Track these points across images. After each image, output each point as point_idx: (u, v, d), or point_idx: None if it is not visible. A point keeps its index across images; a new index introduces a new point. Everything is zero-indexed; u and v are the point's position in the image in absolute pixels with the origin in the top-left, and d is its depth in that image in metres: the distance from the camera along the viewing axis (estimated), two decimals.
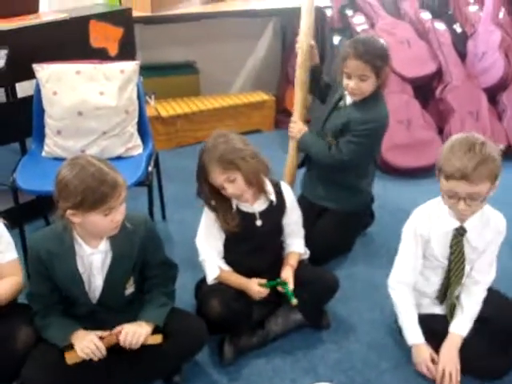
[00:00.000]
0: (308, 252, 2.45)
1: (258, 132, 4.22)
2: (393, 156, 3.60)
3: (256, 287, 2.18)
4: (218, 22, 4.13)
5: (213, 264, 2.24)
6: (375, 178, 2.98)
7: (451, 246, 2.05)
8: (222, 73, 4.47)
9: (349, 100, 2.68)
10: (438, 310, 2.20)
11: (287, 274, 2.23)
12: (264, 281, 2.20)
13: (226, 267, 2.26)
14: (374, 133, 2.64)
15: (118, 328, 1.91)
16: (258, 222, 2.25)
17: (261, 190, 2.24)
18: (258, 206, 2.26)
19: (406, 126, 3.72)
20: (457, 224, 2.02)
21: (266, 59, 4.59)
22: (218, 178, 2.11)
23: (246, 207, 2.24)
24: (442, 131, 3.91)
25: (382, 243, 2.92)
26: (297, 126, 2.77)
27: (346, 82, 2.59)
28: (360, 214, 2.89)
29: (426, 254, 2.12)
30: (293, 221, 2.37)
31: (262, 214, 2.26)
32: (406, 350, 2.23)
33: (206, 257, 2.25)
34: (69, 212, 1.78)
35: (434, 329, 2.15)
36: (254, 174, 2.15)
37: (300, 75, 2.75)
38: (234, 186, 2.12)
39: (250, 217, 2.25)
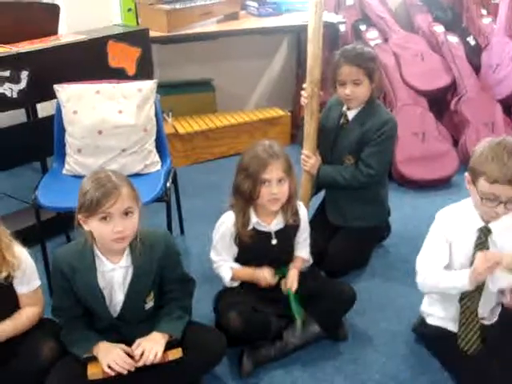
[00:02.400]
0: (311, 260, 2.49)
1: None
2: (408, 168, 3.62)
3: (263, 273, 2.25)
4: (233, 40, 4.19)
5: (226, 267, 2.31)
6: (392, 191, 3.00)
7: (476, 246, 2.05)
8: (238, 89, 4.53)
9: (351, 115, 2.71)
10: (451, 326, 2.19)
11: (291, 273, 2.30)
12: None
13: (237, 265, 2.33)
14: (392, 134, 2.68)
15: (136, 345, 1.94)
16: (273, 241, 2.30)
17: (291, 207, 2.29)
18: (275, 226, 2.30)
19: (421, 139, 3.74)
20: (481, 224, 2.03)
21: (281, 75, 4.64)
22: (276, 172, 2.17)
23: (263, 226, 2.29)
24: (457, 143, 3.92)
25: (399, 255, 2.93)
26: (310, 161, 2.74)
27: (340, 91, 2.64)
28: (379, 227, 2.91)
29: (453, 258, 2.11)
30: (303, 238, 2.42)
31: (278, 233, 2.31)
32: (424, 361, 2.26)
33: (220, 262, 2.33)
34: (79, 218, 1.86)
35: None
36: (295, 187, 2.27)
37: (310, 105, 2.70)
38: (280, 187, 2.19)
39: (266, 236, 2.30)
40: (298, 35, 4.47)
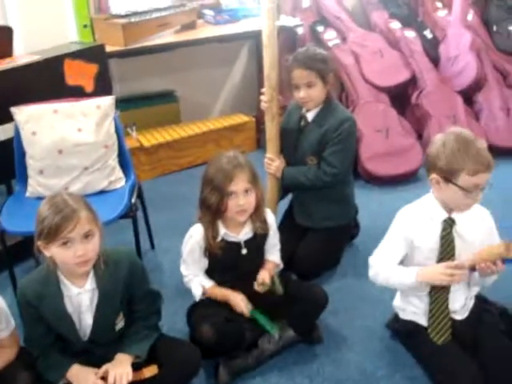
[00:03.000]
0: (282, 264, 2.48)
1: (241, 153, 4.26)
2: (374, 165, 3.65)
3: (240, 300, 2.23)
4: (192, 50, 4.18)
5: (196, 282, 2.30)
6: (359, 189, 3.02)
7: (442, 238, 2.08)
8: (202, 99, 4.52)
9: (310, 116, 2.73)
10: (423, 320, 2.20)
11: (264, 275, 2.29)
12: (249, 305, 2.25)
13: (210, 282, 2.31)
14: (351, 131, 2.70)
15: (103, 371, 1.93)
16: (243, 251, 2.29)
17: (259, 215, 2.29)
18: (244, 235, 2.30)
19: (384, 135, 3.78)
20: (445, 215, 2.06)
21: (244, 81, 4.64)
22: (242, 184, 2.16)
23: (232, 237, 2.28)
24: (421, 137, 3.96)
25: (369, 252, 2.91)
26: (274, 164, 2.75)
27: (295, 94, 2.66)
28: (347, 226, 2.92)
29: (414, 253, 2.14)
30: (272, 244, 2.42)
31: (248, 243, 2.30)
32: (399, 357, 2.28)
33: (190, 276, 2.31)
34: (38, 244, 1.83)
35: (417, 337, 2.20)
36: (261, 196, 2.27)
37: (270, 109, 2.71)
38: (247, 198, 2.18)
39: (236, 246, 2.29)
40: (256, 41, 4.47)
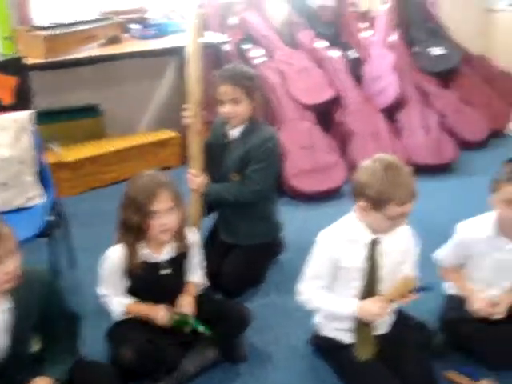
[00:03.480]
0: (207, 282, 2.45)
1: (166, 169, 4.21)
2: (299, 181, 3.68)
3: (158, 313, 2.18)
4: (118, 64, 4.11)
5: (116, 301, 2.23)
6: (284, 205, 3.04)
7: (367, 259, 2.10)
8: (127, 113, 4.45)
9: (234, 133, 2.74)
10: (345, 336, 2.22)
11: (186, 301, 2.25)
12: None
13: (129, 299, 2.25)
14: (274, 149, 2.72)
15: None
16: (164, 271, 2.24)
17: (182, 234, 2.25)
18: (166, 255, 2.25)
19: (309, 152, 3.82)
20: (370, 237, 2.09)
21: (170, 96, 4.60)
22: (164, 203, 2.11)
23: (154, 257, 2.23)
24: (345, 153, 4.02)
25: (294, 269, 2.91)
26: (197, 180, 2.71)
27: (221, 109, 2.67)
28: (271, 244, 2.92)
29: (340, 274, 2.15)
30: (195, 262, 2.38)
31: (170, 262, 2.26)
32: (321, 374, 2.27)
33: (108, 297, 2.24)
34: None
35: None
36: (184, 214, 2.23)
37: (194, 124, 2.68)
38: (170, 217, 2.13)
39: (158, 266, 2.24)
40: (183, 56, 4.44)
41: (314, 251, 2.19)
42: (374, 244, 2.09)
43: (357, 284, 2.13)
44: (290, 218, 3.30)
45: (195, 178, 2.72)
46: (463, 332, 2.29)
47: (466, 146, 4.42)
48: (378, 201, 1.97)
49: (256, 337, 2.47)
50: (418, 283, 2.09)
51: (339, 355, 2.22)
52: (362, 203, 2.02)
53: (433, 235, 2.52)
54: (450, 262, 2.43)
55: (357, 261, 2.11)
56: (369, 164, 2.02)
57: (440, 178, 4.02)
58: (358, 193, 2.03)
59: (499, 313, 2.25)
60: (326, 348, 2.31)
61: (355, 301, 2.12)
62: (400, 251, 2.16)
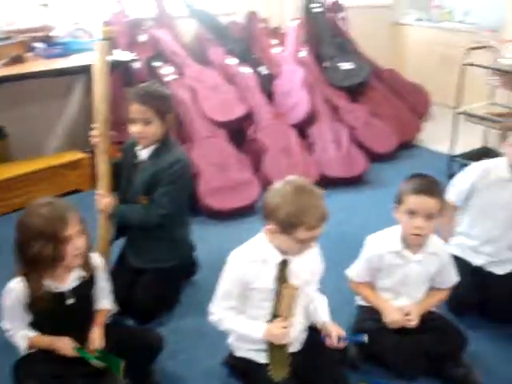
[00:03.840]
0: (116, 308, 2.37)
1: (77, 192, 4.09)
2: (212, 200, 3.64)
3: (62, 343, 2.10)
4: (22, 84, 3.97)
5: (20, 335, 2.12)
6: (199, 225, 2.99)
7: (277, 280, 2.08)
8: (34, 135, 4.29)
9: (144, 154, 2.68)
10: (259, 356, 2.19)
11: (96, 334, 2.17)
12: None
13: (33, 332, 2.14)
14: (183, 172, 2.66)
15: None
16: (70, 301, 2.14)
17: (86, 259, 2.16)
18: (70, 284, 2.15)
19: (221, 169, 3.79)
20: (280, 258, 2.07)
21: (78, 116, 4.48)
22: (76, 226, 2.03)
23: (58, 287, 2.12)
24: (258, 169, 4.02)
25: (209, 289, 2.89)
26: (104, 200, 2.64)
27: (131, 128, 2.60)
28: (181, 266, 2.85)
29: (251, 295, 2.13)
30: (101, 287, 2.29)
31: (74, 291, 2.15)
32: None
33: (12, 331, 2.13)
34: None
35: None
36: (89, 239, 2.15)
37: (101, 144, 2.62)
38: (81, 240, 2.05)
39: (62, 296, 2.13)
40: (90, 75, 4.35)
41: (225, 271, 2.17)
42: (283, 265, 2.08)
43: (268, 304, 2.12)
44: (205, 236, 3.27)
45: (102, 198, 2.65)
46: (376, 343, 2.31)
47: (376, 158, 4.52)
48: (288, 224, 1.95)
49: (169, 361, 2.41)
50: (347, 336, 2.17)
51: (254, 375, 2.19)
52: (271, 226, 2.00)
53: (345, 247, 2.56)
54: (363, 278, 2.46)
55: (267, 281, 2.09)
56: (279, 186, 2.00)
57: (352, 191, 4.10)
58: (268, 215, 2.01)
59: (412, 323, 2.31)
60: (241, 368, 2.28)
61: (263, 324, 2.11)
62: (309, 272, 2.17)
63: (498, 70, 4.07)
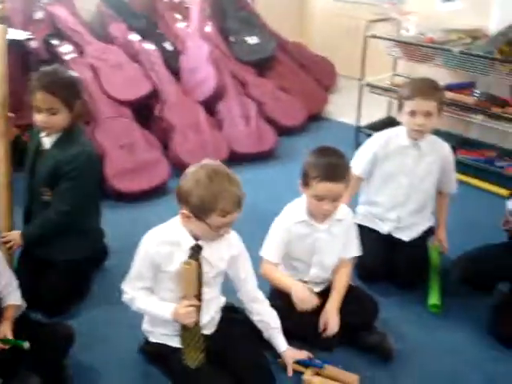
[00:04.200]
0: (24, 303, 2.26)
1: None
2: (122, 183, 3.52)
3: None
4: None
5: None
6: (108, 209, 2.96)
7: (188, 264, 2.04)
8: None
9: (48, 142, 2.55)
10: (173, 341, 2.17)
11: (3, 328, 2.06)
12: None
13: None
14: (88, 165, 2.55)
15: None
16: None
17: None
18: None
19: (128, 151, 3.68)
20: (192, 242, 2.03)
21: None
22: None
23: None
24: (167, 148, 3.94)
25: (122, 274, 2.82)
26: (11, 237, 2.54)
27: (36, 117, 2.46)
28: (91, 256, 2.75)
29: (162, 277, 2.10)
30: (3, 285, 2.17)
31: None
32: (158, 379, 2.21)
33: None
34: None
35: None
36: None
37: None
38: None
39: None
40: None
41: (138, 252, 2.12)
42: (195, 249, 2.05)
43: (177, 288, 2.08)
44: (114, 220, 3.18)
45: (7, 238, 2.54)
46: (289, 319, 2.32)
47: (285, 131, 4.53)
48: (200, 210, 1.92)
49: (84, 354, 2.33)
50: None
51: (169, 360, 2.17)
52: (184, 211, 1.96)
53: (258, 222, 2.54)
54: (277, 257, 2.42)
55: (178, 265, 2.05)
56: (194, 170, 1.96)
57: (262, 166, 4.10)
58: (181, 200, 1.97)
59: (335, 329, 2.32)
60: (155, 354, 2.25)
61: (171, 305, 2.07)
62: (224, 259, 2.14)
63: (399, 41, 4.14)
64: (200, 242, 2.05)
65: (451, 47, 3.82)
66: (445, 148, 2.84)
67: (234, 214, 1.94)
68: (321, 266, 2.44)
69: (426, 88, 2.64)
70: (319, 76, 5.45)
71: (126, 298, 2.17)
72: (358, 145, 3.99)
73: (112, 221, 3.06)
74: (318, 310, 2.32)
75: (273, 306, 2.32)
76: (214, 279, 2.15)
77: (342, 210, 2.41)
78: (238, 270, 2.20)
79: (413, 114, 2.65)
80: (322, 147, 2.33)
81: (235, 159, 4.02)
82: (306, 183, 2.28)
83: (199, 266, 2.05)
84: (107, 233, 2.92)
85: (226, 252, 2.13)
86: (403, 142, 2.77)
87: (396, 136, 2.80)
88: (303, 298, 2.28)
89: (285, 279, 2.39)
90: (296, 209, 2.39)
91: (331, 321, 2.31)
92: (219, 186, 1.90)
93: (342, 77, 5.66)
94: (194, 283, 2.05)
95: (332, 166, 2.22)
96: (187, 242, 2.04)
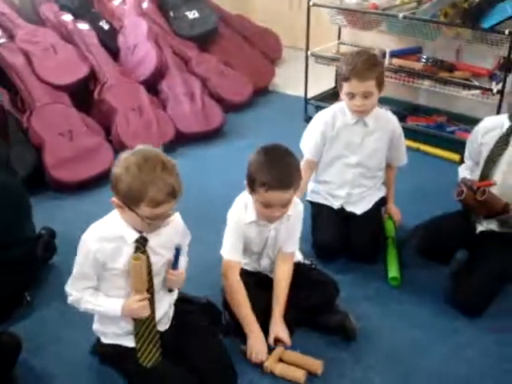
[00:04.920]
0: None
1: None
2: (61, 172, 3.33)
3: None
4: None
5: None
6: (48, 201, 2.92)
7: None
8: None
9: None
10: (127, 341, 2.07)
11: None
12: None
13: None
14: None
15: None
16: None
17: None
18: None
19: (68, 138, 3.49)
20: (136, 235, 1.91)
21: None
22: None
23: None
24: (110, 132, 3.78)
25: (68, 269, 2.69)
26: None
27: None
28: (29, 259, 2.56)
29: (107, 275, 1.98)
30: None
31: None
32: (113, 380, 2.12)
33: None
34: None
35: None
36: None
37: None
38: None
39: None
40: None
41: (79, 250, 1.98)
42: (140, 242, 1.93)
43: (127, 284, 1.97)
44: (58, 213, 3.04)
45: None
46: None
47: (232, 107, 4.41)
48: (129, 199, 1.80)
49: (35, 358, 2.22)
50: None
51: (124, 360, 2.07)
52: (115, 199, 1.84)
53: (207, 204, 2.43)
54: (238, 254, 2.30)
55: (124, 261, 1.93)
56: (125, 157, 1.82)
57: (210, 144, 3.96)
58: (112, 187, 1.84)
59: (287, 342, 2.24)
60: (109, 355, 2.14)
61: (120, 300, 1.97)
62: (170, 247, 2.00)
63: (342, 9, 4.04)
64: (145, 234, 1.92)
65: (396, 13, 3.74)
66: (392, 122, 2.78)
67: (166, 204, 1.81)
68: (268, 257, 2.39)
69: (362, 67, 2.50)
70: (264, 49, 5.32)
71: (71, 299, 2.04)
72: (307, 117, 3.92)
73: (54, 214, 2.92)
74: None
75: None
76: (164, 269, 2.03)
77: (293, 205, 2.25)
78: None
79: (351, 95, 2.57)
80: (269, 148, 2.14)
81: (182, 139, 3.89)
82: (252, 188, 2.13)
83: (148, 259, 1.94)
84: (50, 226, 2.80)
85: (173, 239, 2.00)
86: (349, 119, 2.69)
87: (341, 113, 2.72)
88: (256, 350, 2.18)
89: (245, 314, 2.24)
90: (245, 207, 2.26)
91: (282, 335, 2.22)
92: (149, 174, 1.76)
93: (287, 48, 5.54)
94: (144, 277, 1.94)
95: (281, 174, 2.06)
96: (131, 236, 1.91)
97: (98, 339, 2.15)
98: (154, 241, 1.95)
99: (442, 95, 3.92)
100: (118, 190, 1.80)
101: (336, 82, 2.69)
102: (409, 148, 3.00)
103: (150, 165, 1.78)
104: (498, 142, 2.43)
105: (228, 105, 4.38)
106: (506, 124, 2.42)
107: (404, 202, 2.99)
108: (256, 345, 2.18)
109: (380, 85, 2.58)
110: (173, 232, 2.00)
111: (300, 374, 2.11)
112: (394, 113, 3.03)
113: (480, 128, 2.57)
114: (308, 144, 2.79)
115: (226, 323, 2.31)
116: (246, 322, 2.22)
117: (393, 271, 2.62)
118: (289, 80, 5.04)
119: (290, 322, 2.28)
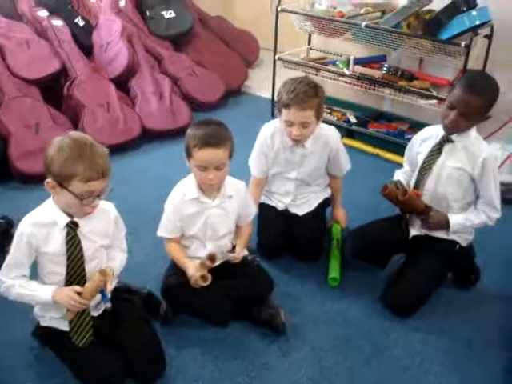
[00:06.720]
0: None
1: None
2: (26, 164, 3.44)
3: None
4: None
5: None
6: (14, 192, 3.02)
7: (67, 243, 2.05)
8: None
9: None
10: (63, 325, 2.17)
11: None
12: None
13: None
14: None
15: None
16: None
17: None
18: None
19: (34, 131, 3.59)
20: (67, 219, 2.03)
21: None
22: None
23: None
24: (77, 128, 3.86)
25: None
26: None
27: None
28: None
29: (42, 260, 2.09)
30: None
31: None
32: (52, 361, 2.20)
33: None
34: None
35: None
36: None
37: None
38: None
39: None
40: None
41: (15, 237, 2.08)
42: (71, 226, 2.04)
43: (61, 270, 2.08)
44: (22, 204, 3.07)
45: None
46: (181, 296, 2.40)
47: (202, 107, 4.52)
48: (61, 176, 1.91)
49: None
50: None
51: (60, 343, 2.18)
52: (49, 180, 1.95)
53: (165, 197, 2.52)
54: (173, 232, 2.45)
55: (56, 245, 2.05)
56: (59, 139, 1.95)
57: (176, 142, 4.01)
58: (46, 170, 1.96)
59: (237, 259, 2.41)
60: (48, 338, 2.24)
61: (51, 287, 2.06)
62: (102, 234, 2.14)
63: (308, 15, 4.13)
64: (76, 219, 2.04)
65: (359, 21, 3.85)
66: (331, 140, 2.83)
67: (96, 182, 1.92)
68: (215, 239, 2.48)
69: (303, 96, 2.56)
70: (242, 51, 5.43)
71: (4, 287, 2.10)
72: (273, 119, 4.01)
73: (19, 204, 2.99)
74: (211, 286, 2.35)
75: (168, 282, 2.40)
76: (97, 255, 2.14)
77: (234, 185, 2.45)
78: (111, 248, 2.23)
79: (289, 123, 2.65)
80: (202, 120, 2.38)
81: (149, 136, 3.99)
82: (188, 154, 2.32)
83: (79, 243, 2.06)
84: (13, 217, 2.86)
85: (105, 227, 2.14)
86: (288, 141, 2.76)
87: (280, 133, 2.78)
88: (195, 278, 2.30)
89: (180, 256, 2.43)
90: (187, 186, 2.42)
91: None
92: (80, 152, 1.89)
93: (266, 50, 5.62)
94: (95, 292, 2.06)
95: (210, 133, 2.27)
96: (62, 220, 2.03)
97: (38, 322, 2.26)
98: (85, 227, 2.07)
99: (406, 103, 4.02)
100: (52, 170, 1.92)
101: (275, 106, 2.76)
102: (369, 154, 3.06)
103: (82, 145, 1.92)
104: (432, 151, 2.53)
105: (197, 105, 4.49)
106: (441, 133, 2.52)
107: (361, 207, 3.10)
108: (191, 272, 2.31)
109: (318, 115, 2.65)
110: (105, 219, 2.13)
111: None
112: (357, 118, 3.11)
113: (418, 137, 2.67)
114: (253, 163, 2.89)
115: (164, 313, 2.41)
116: (185, 265, 2.37)
117: (333, 272, 2.72)
118: (261, 82, 5.15)
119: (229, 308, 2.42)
